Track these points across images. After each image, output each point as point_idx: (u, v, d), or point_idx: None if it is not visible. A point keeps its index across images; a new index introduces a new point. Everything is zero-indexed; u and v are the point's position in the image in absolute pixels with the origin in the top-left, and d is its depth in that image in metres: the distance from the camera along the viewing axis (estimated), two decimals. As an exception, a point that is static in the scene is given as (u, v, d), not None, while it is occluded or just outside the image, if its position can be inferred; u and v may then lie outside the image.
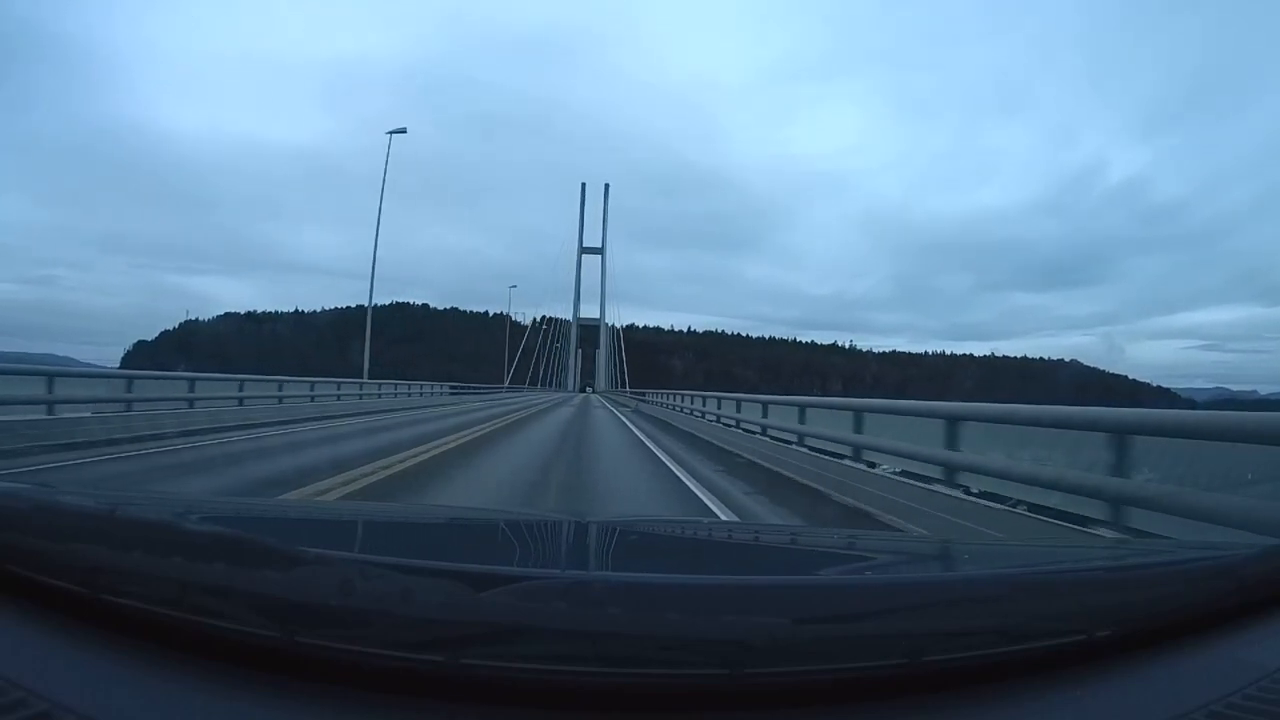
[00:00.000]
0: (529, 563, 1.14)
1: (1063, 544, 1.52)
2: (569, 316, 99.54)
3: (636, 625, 0.63)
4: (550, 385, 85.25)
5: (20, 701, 0.57)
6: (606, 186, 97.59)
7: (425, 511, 2.07)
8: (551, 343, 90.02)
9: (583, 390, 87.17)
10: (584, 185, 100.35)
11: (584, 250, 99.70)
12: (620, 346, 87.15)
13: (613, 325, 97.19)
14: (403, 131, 28.02)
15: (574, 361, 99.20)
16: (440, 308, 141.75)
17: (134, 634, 0.68)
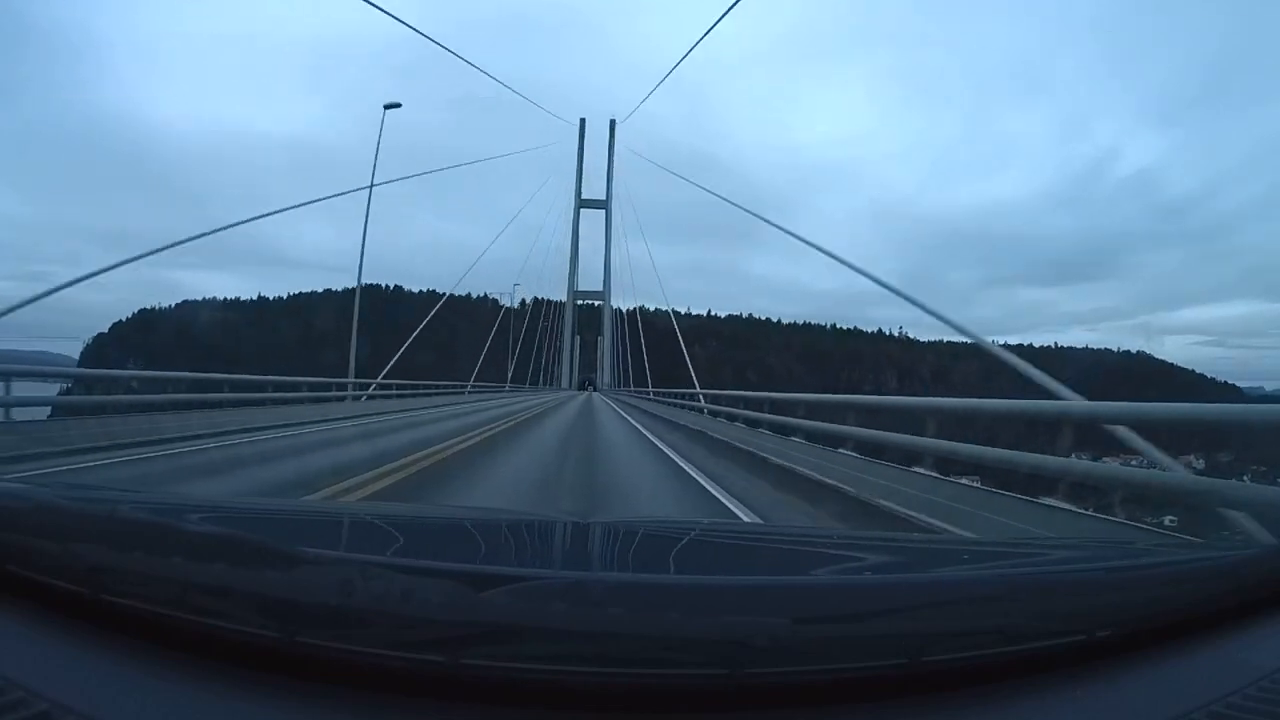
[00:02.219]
0: (529, 563, 1.14)
1: (1063, 544, 1.52)
2: (564, 301, 75.45)
3: (637, 625, 0.63)
4: (545, 382, 67.98)
5: (20, 701, 0.57)
6: (612, 124, 71.74)
7: (426, 511, 2.08)
8: (539, 325, 67.84)
9: (583, 387, 71.39)
10: (583, 121, 75.07)
11: (583, 204, 74.69)
12: (630, 327, 62.76)
13: (619, 309, 73.74)
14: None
15: (570, 349, 75.87)
16: (415, 290, 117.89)
17: (134, 634, 0.68)
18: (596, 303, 77.87)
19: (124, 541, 0.73)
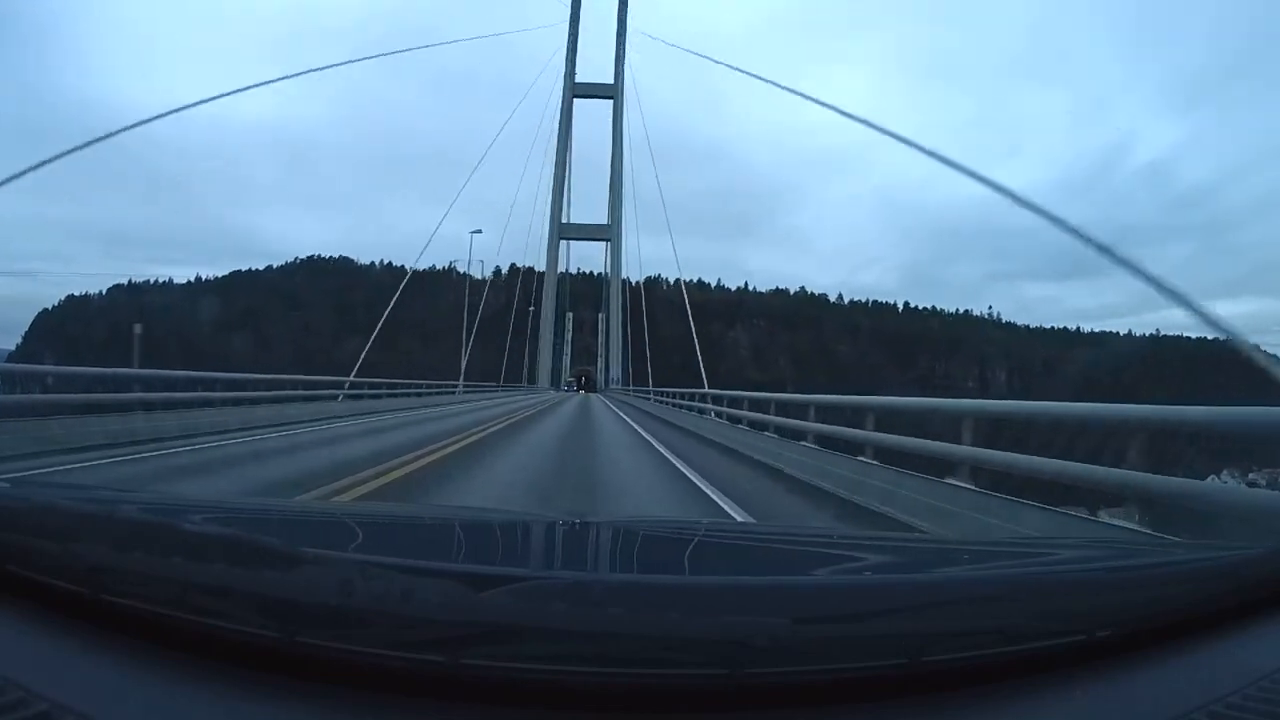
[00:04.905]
0: (529, 563, 1.14)
1: (1063, 544, 1.52)
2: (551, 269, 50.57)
3: (636, 625, 0.63)
4: (522, 380, 47.07)
5: (20, 701, 0.57)
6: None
7: (425, 512, 2.08)
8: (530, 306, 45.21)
9: (575, 384, 52.47)
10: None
11: (578, 92, 48.70)
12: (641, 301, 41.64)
13: (628, 279, 48.71)
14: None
15: (556, 328, 51.23)
16: (363, 262, 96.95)
17: (134, 634, 0.68)
18: (595, 271, 53.44)
19: (124, 541, 0.73)
